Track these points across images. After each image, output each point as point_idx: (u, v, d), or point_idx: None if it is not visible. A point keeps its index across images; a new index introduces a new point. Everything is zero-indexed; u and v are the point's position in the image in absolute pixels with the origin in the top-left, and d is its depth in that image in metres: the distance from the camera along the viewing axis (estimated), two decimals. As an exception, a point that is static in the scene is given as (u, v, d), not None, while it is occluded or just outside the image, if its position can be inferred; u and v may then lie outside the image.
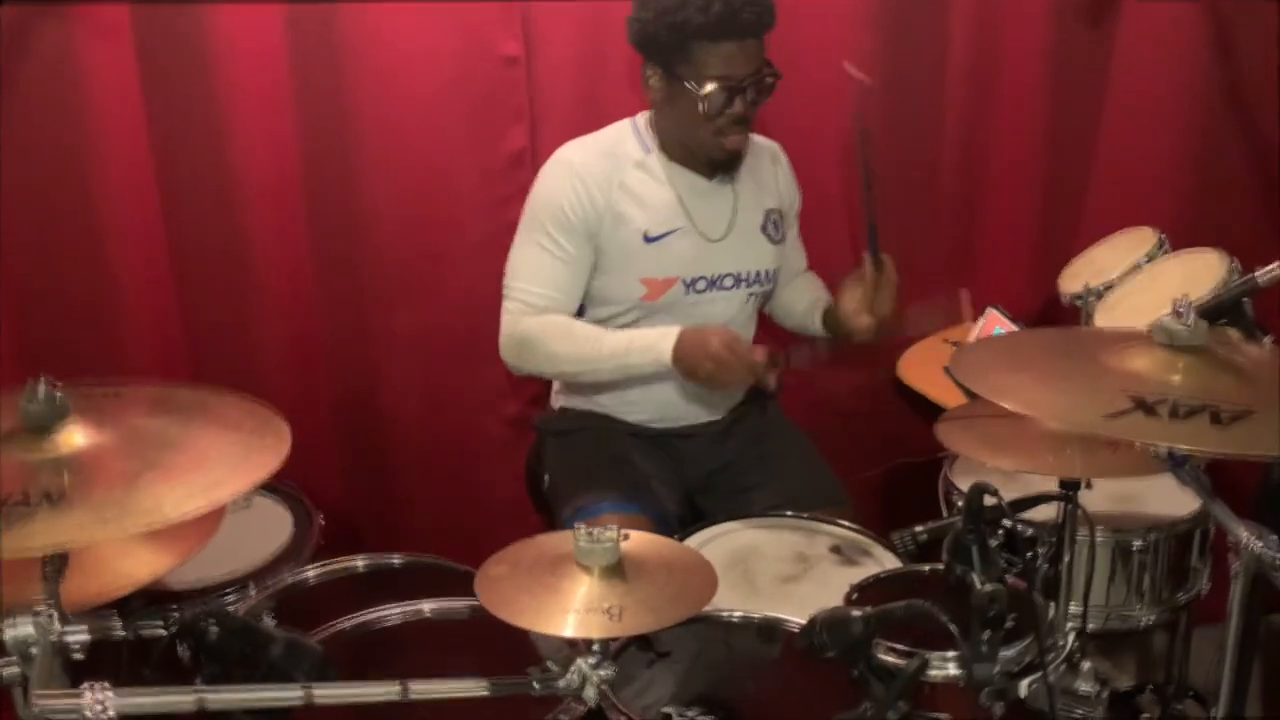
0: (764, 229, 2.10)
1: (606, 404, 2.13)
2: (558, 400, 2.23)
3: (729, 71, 1.88)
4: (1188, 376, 1.29)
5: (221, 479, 1.20)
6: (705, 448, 2.15)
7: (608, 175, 1.98)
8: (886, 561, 1.82)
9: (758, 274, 2.08)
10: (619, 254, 1.99)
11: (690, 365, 1.87)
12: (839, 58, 2.28)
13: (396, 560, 1.83)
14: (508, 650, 1.43)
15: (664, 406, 2.10)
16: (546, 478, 2.15)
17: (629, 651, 1.53)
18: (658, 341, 1.91)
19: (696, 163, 2.02)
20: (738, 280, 2.06)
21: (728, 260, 2.04)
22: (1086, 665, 1.48)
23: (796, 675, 1.52)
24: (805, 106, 2.33)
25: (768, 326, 2.28)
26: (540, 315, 1.98)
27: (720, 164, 2.01)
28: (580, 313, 2.05)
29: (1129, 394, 1.23)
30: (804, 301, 2.23)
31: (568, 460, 2.12)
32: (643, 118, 2.06)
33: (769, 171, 2.15)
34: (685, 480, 2.15)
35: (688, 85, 1.88)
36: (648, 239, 1.99)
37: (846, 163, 2.39)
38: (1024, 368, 1.39)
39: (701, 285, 2.03)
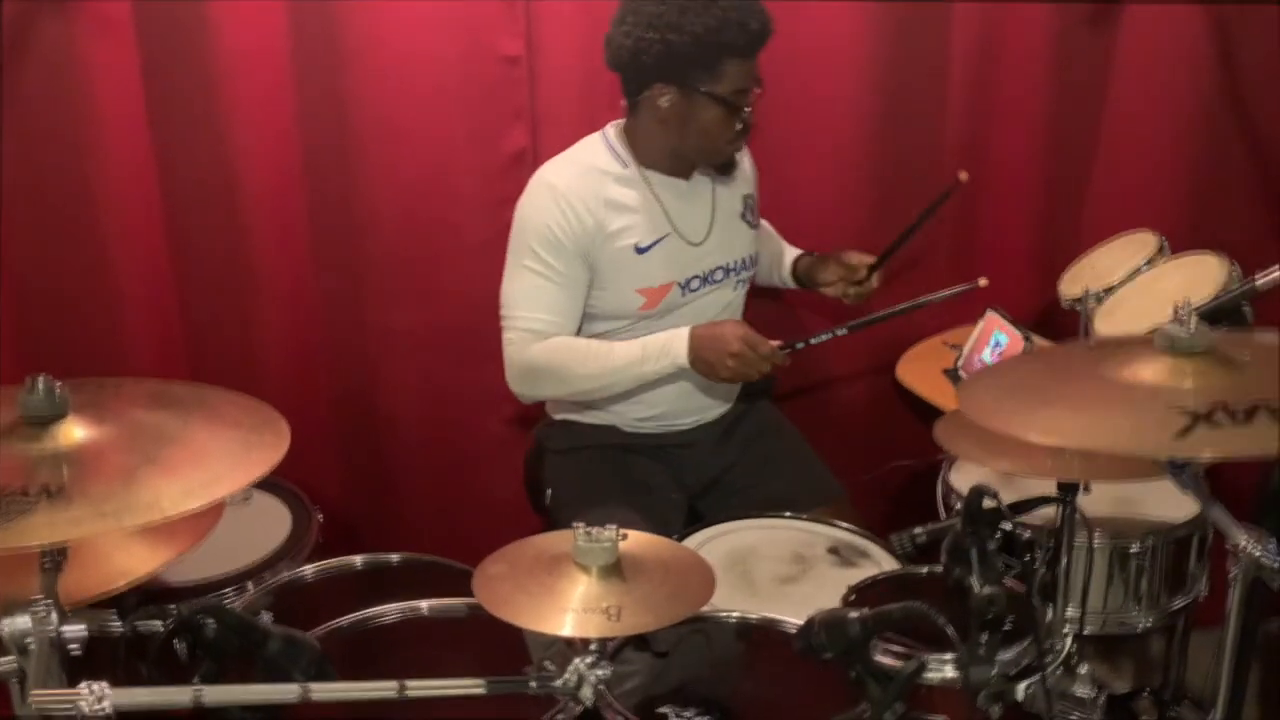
0: (743, 216, 2.13)
1: (613, 410, 2.11)
2: (557, 411, 2.20)
3: (749, 85, 1.93)
4: (1208, 379, 1.28)
5: (220, 475, 1.20)
6: (705, 455, 2.16)
7: (593, 193, 1.96)
8: (884, 563, 1.82)
9: (743, 260, 2.11)
10: (613, 269, 1.99)
11: (710, 365, 1.90)
12: (840, 64, 2.31)
13: (395, 558, 1.83)
14: (505, 649, 1.43)
15: (666, 403, 2.10)
16: (549, 493, 2.15)
17: (626, 650, 1.53)
18: (670, 344, 1.93)
19: (676, 167, 2.03)
20: (727, 271, 2.08)
21: (715, 255, 2.06)
22: (1084, 669, 1.48)
23: (794, 676, 1.52)
24: (808, 112, 2.35)
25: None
26: (544, 341, 1.97)
27: (726, 166, 2.05)
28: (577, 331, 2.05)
29: (1179, 408, 1.21)
30: (766, 250, 2.27)
31: (571, 480, 2.11)
32: (612, 129, 2.05)
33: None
34: (687, 490, 2.16)
35: (714, 100, 1.90)
36: (639, 250, 1.99)
37: (839, 167, 2.40)
38: (1049, 401, 1.35)
39: (695, 284, 2.04)
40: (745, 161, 2.18)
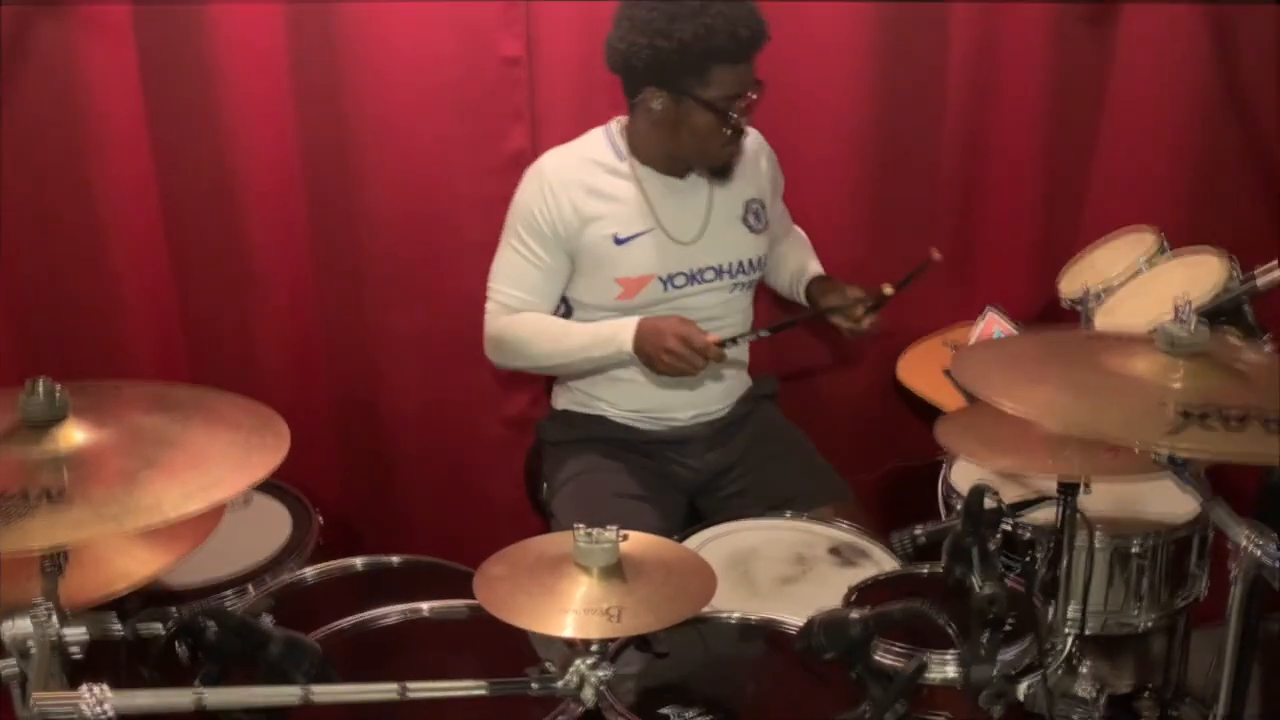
0: (744, 219, 2.13)
1: (605, 400, 2.13)
2: (558, 400, 2.23)
3: (742, 90, 1.94)
4: (1201, 380, 1.28)
5: (221, 478, 1.20)
6: (702, 452, 2.16)
7: (578, 181, 2.02)
8: (885, 563, 1.82)
9: (741, 264, 2.10)
10: (592, 257, 2.03)
11: (650, 358, 1.95)
12: (840, 63, 2.31)
13: (395, 560, 1.83)
14: (506, 651, 1.43)
15: (653, 397, 2.11)
16: (545, 487, 2.17)
17: (627, 651, 1.53)
18: (617, 334, 1.97)
19: (672, 167, 2.05)
20: (719, 273, 2.08)
21: (707, 255, 2.07)
22: (1085, 668, 1.49)
23: (796, 676, 1.52)
24: (807, 110, 2.35)
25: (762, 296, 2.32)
26: (513, 315, 2.06)
27: (722, 170, 2.06)
28: (568, 316, 2.10)
29: (1174, 407, 1.21)
30: (792, 262, 2.27)
31: (565, 473, 2.12)
32: (616, 124, 2.09)
33: (750, 162, 2.15)
34: (685, 488, 2.16)
35: (703, 105, 1.92)
36: (618, 241, 2.02)
37: (839, 165, 2.40)
38: (1041, 379, 1.35)
39: (681, 281, 2.05)
40: (761, 164, 2.18)
